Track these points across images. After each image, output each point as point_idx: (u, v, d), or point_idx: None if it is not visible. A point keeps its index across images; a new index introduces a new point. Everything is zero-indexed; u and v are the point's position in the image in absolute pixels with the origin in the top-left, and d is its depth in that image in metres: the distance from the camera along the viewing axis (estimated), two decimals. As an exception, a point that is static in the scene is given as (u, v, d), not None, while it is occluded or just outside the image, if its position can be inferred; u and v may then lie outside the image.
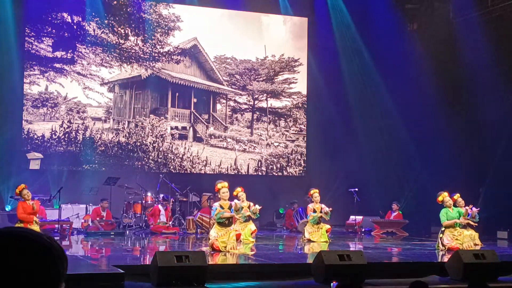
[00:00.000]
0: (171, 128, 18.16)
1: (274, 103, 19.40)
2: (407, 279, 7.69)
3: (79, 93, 17.27)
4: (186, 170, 18.16)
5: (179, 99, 18.39)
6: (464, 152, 16.50)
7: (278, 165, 19.29)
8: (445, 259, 9.61)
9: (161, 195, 15.68)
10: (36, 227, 11.19)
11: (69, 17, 17.19)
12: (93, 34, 17.33)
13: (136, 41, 17.84)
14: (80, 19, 17.25)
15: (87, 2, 17.27)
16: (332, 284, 7.08)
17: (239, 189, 13.01)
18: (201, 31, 18.50)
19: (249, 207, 12.93)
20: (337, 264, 7.96)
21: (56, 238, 11.97)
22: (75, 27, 17.23)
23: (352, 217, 17.24)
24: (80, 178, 16.36)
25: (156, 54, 18.02)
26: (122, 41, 17.63)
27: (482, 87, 15.96)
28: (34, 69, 16.87)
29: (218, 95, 18.90)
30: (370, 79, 19.01)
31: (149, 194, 15.73)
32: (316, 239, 13.21)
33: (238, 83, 19.03)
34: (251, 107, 19.20)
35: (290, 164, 19.37)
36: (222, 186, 11.21)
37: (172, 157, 18.05)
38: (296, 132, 19.61)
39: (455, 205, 11.97)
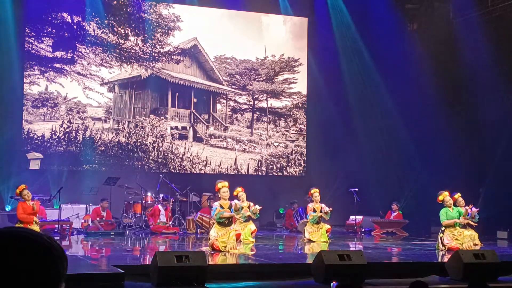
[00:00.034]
0: (171, 128, 18.16)
1: (274, 103, 19.40)
2: (407, 279, 7.69)
3: (79, 93, 17.27)
4: (186, 170, 18.16)
5: (179, 99, 18.40)
6: (464, 152, 16.50)
7: (278, 165, 19.29)
8: (445, 259, 9.61)
9: (161, 195, 15.68)
10: (36, 228, 11.19)
11: (69, 17, 17.19)
12: (93, 34, 17.33)
13: (136, 41, 17.84)
14: (80, 19, 17.26)
15: (87, 2, 17.27)
16: (332, 284, 7.08)
17: (239, 189, 13.02)
18: (201, 31, 18.50)
19: (249, 207, 12.93)
20: (337, 264, 7.96)
21: (56, 238, 11.97)
22: (75, 27, 17.23)
23: (352, 217, 17.24)
24: (80, 178, 16.36)
25: (156, 54, 18.03)
26: (122, 41, 17.63)
27: (482, 87, 15.96)
28: (34, 69, 16.87)
29: (218, 95, 18.90)
30: (370, 79, 19.01)
31: (149, 194, 15.73)
32: (316, 239, 13.21)
33: (238, 83, 19.03)
34: (251, 107, 19.20)
35: (290, 164, 19.37)
36: (223, 185, 11.21)
37: (172, 157, 18.05)
38: (296, 132, 19.61)
39: (455, 205, 11.97)
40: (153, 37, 17.96)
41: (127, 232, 14.86)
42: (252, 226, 13.02)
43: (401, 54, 17.76)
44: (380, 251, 11.83)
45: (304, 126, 19.63)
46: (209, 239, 11.02)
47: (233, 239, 10.80)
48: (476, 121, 16.49)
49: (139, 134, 17.75)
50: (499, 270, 8.72)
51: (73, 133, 17.11)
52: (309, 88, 19.53)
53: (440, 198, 11.92)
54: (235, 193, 12.71)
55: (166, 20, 18.15)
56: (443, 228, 11.77)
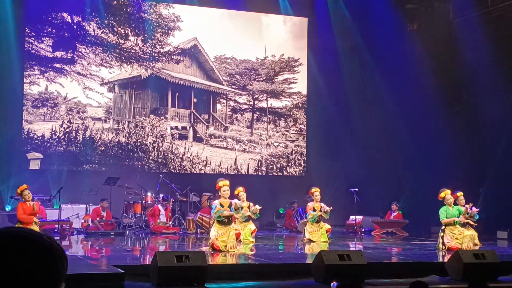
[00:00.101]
0: (171, 128, 18.16)
1: (274, 103, 19.40)
2: (407, 279, 7.71)
3: (79, 93, 17.27)
4: (186, 170, 18.16)
5: (179, 99, 18.40)
6: (464, 152, 16.51)
7: (278, 165, 19.29)
8: (445, 259, 9.61)
9: (161, 195, 15.68)
10: (35, 228, 11.19)
11: (69, 17, 17.18)
12: (93, 34, 17.33)
13: (136, 41, 17.84)
14: (80, 19, 17.25)
15: (87, 2, 17.27)
16: (332, 284, 7.08)
17: (240, 188, 12.98)
18: (201, 31, 18.50)
19: (249, 207, 12.93)
20: (337, 264, 7.96)
21: (56, 238, 11.97)
22: (75, 27, 17.23)
23: (352, 217, 17.23)
24: (80, 178, 16.35)
25: (156, 54, 18.02)
26: (122, 41, 17.63)
27: (482, 87, 15.96)
28: (34, 69, 16.87)
29: (218, 95, 18.90)
30: (370, 79, 19.01)
31: (149, 194, 15.73)
32: (316, 239, 13.21)
33: (238, 83, 19.03)
34: (251, 107, 19.20)
35: (290, 164, 19.37)
36: (224, 184, 11.21)
37: (172, 157, 18.05)
38: (296, 132, 19.61)
39: (455, 204, 11.97)
40: (153, 37, 17.96)
41: (127, 232, 14.86)
42: (252, 226, 13.02)
43: (401, 54, 17.76)
44: (380, 251, 11.83)
45: (304, 126, 19.62)
46: (210, 239, 11.03)
47: (233, 238, 10.80)
48: (476, 121, 16.49)
49: (139, 134, 17.75)
50: (499, 270, 8.73)
51: (73, 133, 17.11)
52: (309, 88, 19.53)
53: (442, 195, 11.90)
54: (236, 192, 12.71)
55: (166, 20, 18.15)
56: (443, 227, 11.77)
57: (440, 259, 10.35)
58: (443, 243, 11.63)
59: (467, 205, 11.92)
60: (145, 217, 15.41)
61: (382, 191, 17.82)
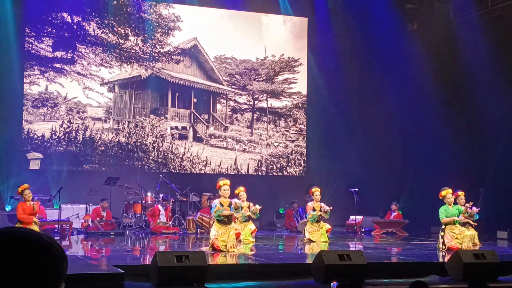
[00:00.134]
0: (171, 128, 18.16)
1: (274, 103, 19.40)
2: (407, 279, 7.71)
3: (79, 93, 17.27)
4: (186, 170, 18.16)
5: (179, 99, 18.40)
6: (464, 152, 16.51)
7: (278, 165, 19.29)
8: (445, 259, 9.61)
9: (161, 195, 15.68)
10: (35, 228, 11.18)
11: (69, 17, 17.18)
12: (93, 34, 17.32)
13: (136, 41, 17.84)
14: (80, 19, 17.25)
15: (87, 2, 17.27)
16: (332, 284, 7.08)
17: (241, 188, 12.95)
18: (201, 31, 18.50)
19: (248, 207, 12.92)
20: (337, 264, 7.96)
21: (56, 238, 11.97)
22: (75, 27, 17.23)
23: (352, 217, 17.23)
24: (80, 178, 16.35)
25: (156, 54, 18.02)
26: (122, 41, 17.63)
27: (482, 87, 15.96)
28: (34, 69, 16.87)
29: (218, 95, 18.90)
30: (370, 79, 19.01)
31: (149, 194, 15.73)
32: (316, 238, 13.21)
33: (238, 83, 19.03)
34: (251, 107, 19.20)
35: (290, 164, 19.37)
36: (224, 183, 11.21)
37: (172, 157, 18.05)
38: (296, 132, 19.61)
39: (455, 203, 11.96)
40: (153, 37, 17.96)
41: (127, 232, 14.86)
42: (252, 226, 13.02)
43: (401, 54, 17.77)
44: (380, 251, 11.83)
45: (304, 126, 19.62)
46: (210, 238, 11.03)
47: (233, 238, 10.80)
48: (476, 121, 16.49)
49: (139, 134, 17.75)
50: (499, 270, 8.73)
51: (73, 133, 17.11)
52: (309, 88, 19.53)
53: (443, 193, 11.88)
54: (236, 191, 12.70)
55: (166, 20, 18.15)
56: (443, 227, 11.76)
57: (440, 259, 10.35)
58: (443, 243, 11.62)
59: (467, 204, 11.92)
60: (145, 217, 15.41)
61: (382, 191, 17.83)
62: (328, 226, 13.73)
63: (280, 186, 18.66)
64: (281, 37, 19.51)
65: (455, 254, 8.88)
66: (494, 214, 14.72)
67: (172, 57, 18.23)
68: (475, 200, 13.36)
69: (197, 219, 15.13)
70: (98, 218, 14.88)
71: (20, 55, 16.58)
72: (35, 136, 16.75)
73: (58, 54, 16.99)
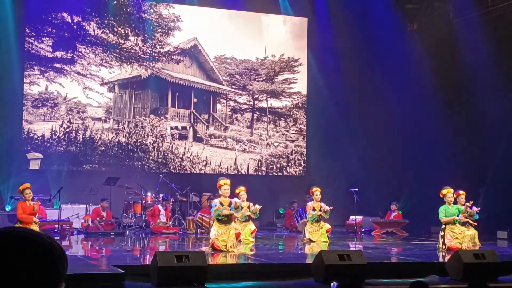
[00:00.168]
0: (171, 128, 18.16)
1: (274, 103, 19.40)
2: (407, 279, 7.70)
3: (79, 93, 17.27)
4: (186, 170, 18.16)
5: (179, 99, 18.40)
6: (464, 152, 16.51)
7: (278, 165, 19.29)
8: (445, 259, 9.61)
9: (161, 195, 15.68)
10: (35, 228, 11.19)
11: (69, 17, 17.18)
12: (93, 34, 17.33)
13: (136, 41, 17.84)
14: (80, 19, 17.25)
15: (87, 2, 17.27)
16: (332, 284, 7.08)
17: (242, 188, 12.94)
18: (201, 31, 18.50)
19: (248, 207, 12.92)
20: (337, 264, 7.96)
21: (56, 238, 11.97)
22: (75, 27, 17.23)
23: (352, 217, 17.23)
24: (80, 178, 16.35)
25: (156, 54, 18.02)
26: (122, 41, 17.63)
27: (482, 87, 15.96)
28: (34, 69, 16.87)
29: (218, 95, 18.90)
30: (370, 79, 19.01)
31: (149, 194, 15.73)
32: (316, 238, 13.21)
33: (238, 83, 19.03)
34: (251, 107, 19.20)
35: (290, 164, 19.37)
36: (225, 183, 11.20)
37: (172, 157, 18.05)
38: (296, 132, 19.61)
39: (455, 202, 11.96)
40: (153, 37, 17.96)
41: (127, 232, 14.86)
42: (252, 226, 13.01)
43: (401, 54, 17.77)
44: (380, 251, 11.83)
45: (304, 126, 19.62)
46: (210, 238, 11.02)
47: (233, 238, 10.80)
48: (476, 121, 16.49)
49: (139, 134, 17.75)
50: (499, 270, 8.73)
51: (73, 133, 17.11)
52: (309, 88, 19.53)
53: (444, 191, 11.87)
54: (237, 191, 12.69)
55: (166, 20, 18.15)
56: (443, 226, 11.76)
57: (440, 259, 10.35)
58: (443, 243, 11.61)
59: (467, 203, 11.91)
60: (145, 217, 15.41)
61: (382, 191, 17.83)
62: (328, 226, 13.73)
63: (280, 186, 18.66)
64: (281, 37, 19.52)
65: (455, 254, 8.88)
66: (494, 214, 14.72)
67: (172, 57, 18.23)
68: (475, 200, 13.37)
69: (197, 219, 15.13)
70: (98, 218, 14.88)
71: (20, 55, 16.58)
72: (35, 136, 16.75)
73: (58, 54, 16.99)
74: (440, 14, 18.09)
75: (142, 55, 17.85)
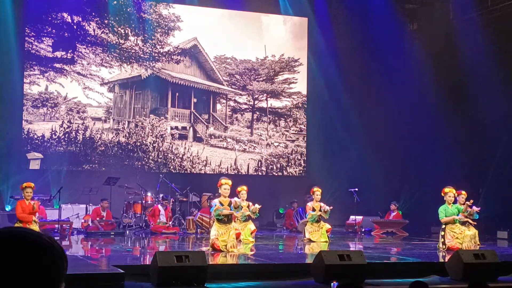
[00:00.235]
0: (171, 128, 18.16)
1: (274, 103, 19.40)
2: (407, 279, 7.70)
3: (79, 93, 17.27)
4: (186, 170, 18.16)
5: (179, 99, 18.40)
6: (464, 152, 16.50)
7: (278, 165, 19.29)
8: (445, 259, 9.61)
9: (161, 195, 15.68)
10: (35, 227, 11.19)
11: (69, 17, 17.19)
12: (93, 34, 17.33)
13: (136, 41, 17.84)
14: (80, 19, 17.25)
15: (87, 2, 17.27)
16: (332, 284, 7.08)
17: (244, 187, 12.89)
18: (201, 31, 18.50)
19: (248, 206, 12.91)
20: (337, 264, 7.96)
21: (56, 238, 11.97)
22: (75, 27, 17.23)
23: (352, 217, 17.23)
24: (80, 178, 16.35)
25: (156, 54, 18.03)
26: (122, 41, 17.63)
27: (482, 87, 15.96)
28: (34, 69, 16.87)
29: (218, 95, 18.90)
30: (370, 79, 19.01)
31: (149, 194, 15.73)
32: (316, 238, 13.20)
33: (238, 83, 19.03)
34: (251, 107, 19.20)
35: (290, 164, 19.37)
36: (226, 182, 11.17)
37: (172, 157, 18.05)
38: (296, 132, 19.61)
39: (455, 202, 11.95)
40: (153, 37, 17.96)
41: (127, 232, 14.86)
42: (251, 226, 13.00)
43: (401, 54, 17.76)
44: (380, 251, 11.83)
45: (304, 126, 19.63)
46: (210, 238, 11.02)
47: (233, 238, 10.80)
48: (476, 121, 16.49)
49: (139, 134, 17.75)
50: (499, 270, 8.72)
51: (73, 133, 17.11)
52: (309, 88, 19.53)
53: (446, 190, 11.85)
54: (239, 189, 12.67)
55: (166, 20, 18.15)
56: (443, 226, 11.75)
57: (440, 259, 10.35)
58: (443, 243, 11.61)
59: (467, 202, 11.91)
60: (145, 217, 15.41)
61: (382, 191, 17.83)
62: (328, 226, 13.72)
63: (280, 186, 18.66)
64: (281, 37, 19.52)
65: (455, 254, 8.88)
66: (494, 214, 14.71)
67: (172, 57, 18.23)
68: (475, 200, 13.37)
69: (197, 219, 15.12)
70: (98, 218, 14.88)
71: (20, 55, 16.59)
72: (35, 136, 16.75)
73: (58, 54, 17.00)
74: (440, 14, 18.08)
75: (142, 55, 17.85)
